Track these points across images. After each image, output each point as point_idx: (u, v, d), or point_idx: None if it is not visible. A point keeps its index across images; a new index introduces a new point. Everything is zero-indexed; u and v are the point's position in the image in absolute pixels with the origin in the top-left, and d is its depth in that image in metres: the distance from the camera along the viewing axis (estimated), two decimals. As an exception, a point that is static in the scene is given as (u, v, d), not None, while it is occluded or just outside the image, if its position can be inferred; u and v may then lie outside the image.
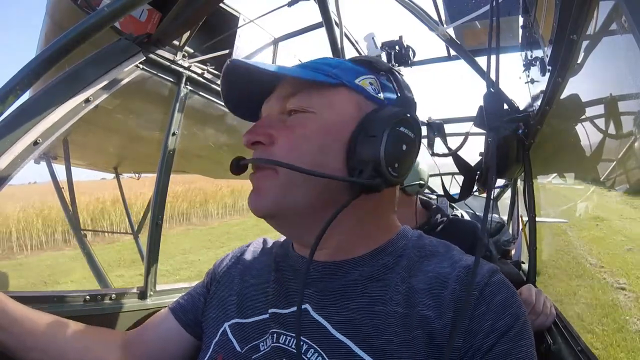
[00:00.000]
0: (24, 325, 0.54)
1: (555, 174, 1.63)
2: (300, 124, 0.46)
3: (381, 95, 0.49)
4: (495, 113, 0.50)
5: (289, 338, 0.44)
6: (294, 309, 0.46)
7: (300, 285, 0.42)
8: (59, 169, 2.84)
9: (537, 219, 1.44)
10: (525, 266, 1.76)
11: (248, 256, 0.60)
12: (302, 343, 0.43)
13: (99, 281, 2.78)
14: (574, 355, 0.89)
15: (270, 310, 0.48)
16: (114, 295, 1.07)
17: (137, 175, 3.47)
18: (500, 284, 0.44)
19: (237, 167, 0.48)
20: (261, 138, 0.46)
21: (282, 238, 0.62)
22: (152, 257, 1.21)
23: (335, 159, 0.45)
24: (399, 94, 0.50)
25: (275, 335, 0.45)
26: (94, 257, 2.81)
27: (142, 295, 1.16)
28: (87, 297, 1.00)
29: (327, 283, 0.47)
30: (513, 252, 2.68)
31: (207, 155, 2.26)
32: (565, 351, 0.91)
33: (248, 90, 0.51)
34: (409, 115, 0.46)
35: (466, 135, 1.66)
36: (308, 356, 0.42)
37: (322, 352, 0.42)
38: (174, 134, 1.22)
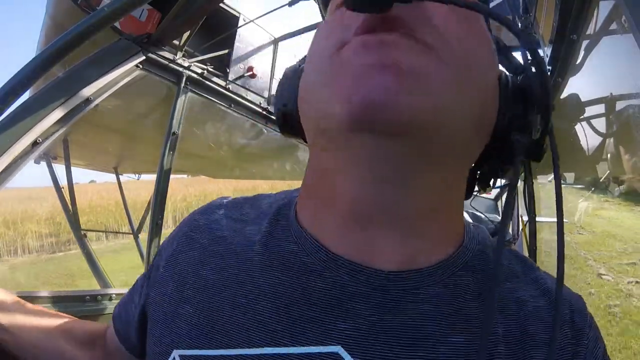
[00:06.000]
0: (25, 324, 0.54)
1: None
2: (477, 24, 0.26)
3: None
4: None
5: None
6: (314, 349, 0.25)
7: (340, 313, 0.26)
8: (59, 168, 2.83)
9: (537, 218, 1.44)
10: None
11: (204, 230, 0.35)
12: None
13: (99, 281, 2.77)
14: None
15: (264, 350, 0.26)
16: (114, 295, 1.07)
17: (137, 175, 3.46)
18: (595, 323, 0.31)
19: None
20: None
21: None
22: (152, 257, 1.21)
23: (491, 99, 0.26)
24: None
25: None
26: (94, 257, 2.81)
27: (142, 295, 1.16)
28: (87, 297, 1.00)
29: (382, 313, 0.26)
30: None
31: (207, 155, 2.26)
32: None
33: None
34: None
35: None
36: None
37: None
38: (174, 134, 1.22)
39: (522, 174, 1.56)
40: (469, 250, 0.30)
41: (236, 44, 1.46)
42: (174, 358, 0.29)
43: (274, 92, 1.67)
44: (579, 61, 0.83)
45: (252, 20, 1.48)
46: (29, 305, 0.56)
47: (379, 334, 0.25)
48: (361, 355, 0.25)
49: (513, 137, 0.25)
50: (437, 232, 0.28)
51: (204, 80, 1.33)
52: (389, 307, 0.26)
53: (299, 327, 0.26)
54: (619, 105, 0.78)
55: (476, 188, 0.34)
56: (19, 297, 0.57)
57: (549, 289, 0.30)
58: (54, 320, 0.56)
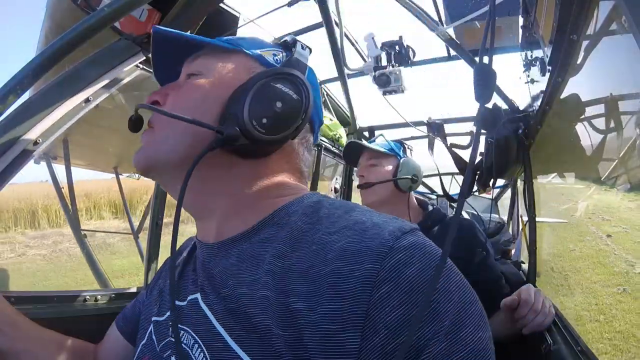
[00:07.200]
0: (20, 329, 0.55)
1: (555, 174, 1.63)
2: (189, 84, 0.47)
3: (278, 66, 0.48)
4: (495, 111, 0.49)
5: (180, 332, 0.40)
6: (191, 297, 0.43)
7: (171, 263, 0.43)
8: (59, 168, 2.84)
9: (537, 219, 1.44)
10: (525, 266, 1.76)
11: (180, 253, 0.56)
12: (190, 337, 0.39)
13: (99, 281, 2.78)
14: (573, 355, 0.89)
15: (176, 303, 0.45)
16: (113, 295, 1.07)
17: (137, 175, 3.47)
18: (413, 248, 0.31)
19: (134, 124, 0.50)
20: (158, 97, 0.47)
21: None
22: (152, 257, 1.22)
23: (209, 115, 0.43)
24: (291, 60, 0.48)
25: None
26: (94, 257, 2.81)
27: (142, 295, 1.16)
28: (87, 297, 1.00)
29: (211, 267, 0.43)
30: (513, 252, 2.68)
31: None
32: (565, 351, 0.91)
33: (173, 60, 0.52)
34: (293, 74, 0.44)
35: (472, 134, 1.66)
36: (194, 352, 0.37)
37: (203, 347, 0.37)
38: (174, 134, 1.22)
39: (522, 174, 1.56)
40: (276, 219, 0.42)
41: (236, 44, 1.45)
42: (151, 328, 0.47)
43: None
44: (579, 61, 0.83)
45: (252, 20, 1.48)
46: (21, 315, 0.57)
47: (211, 280, 0.42)
48: (203, 293, 0.41)
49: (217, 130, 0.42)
50: (230, 216, 0.45)
51: (204, 80, 1.33)
52: (215, 263, 0.43)
53: (188, 288, 0.45)
54: (619, 105, 0.78)
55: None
56: (19, 296, 0.57)
57: (350, 225, 0.36)
58: (47, 331, 0.60)
